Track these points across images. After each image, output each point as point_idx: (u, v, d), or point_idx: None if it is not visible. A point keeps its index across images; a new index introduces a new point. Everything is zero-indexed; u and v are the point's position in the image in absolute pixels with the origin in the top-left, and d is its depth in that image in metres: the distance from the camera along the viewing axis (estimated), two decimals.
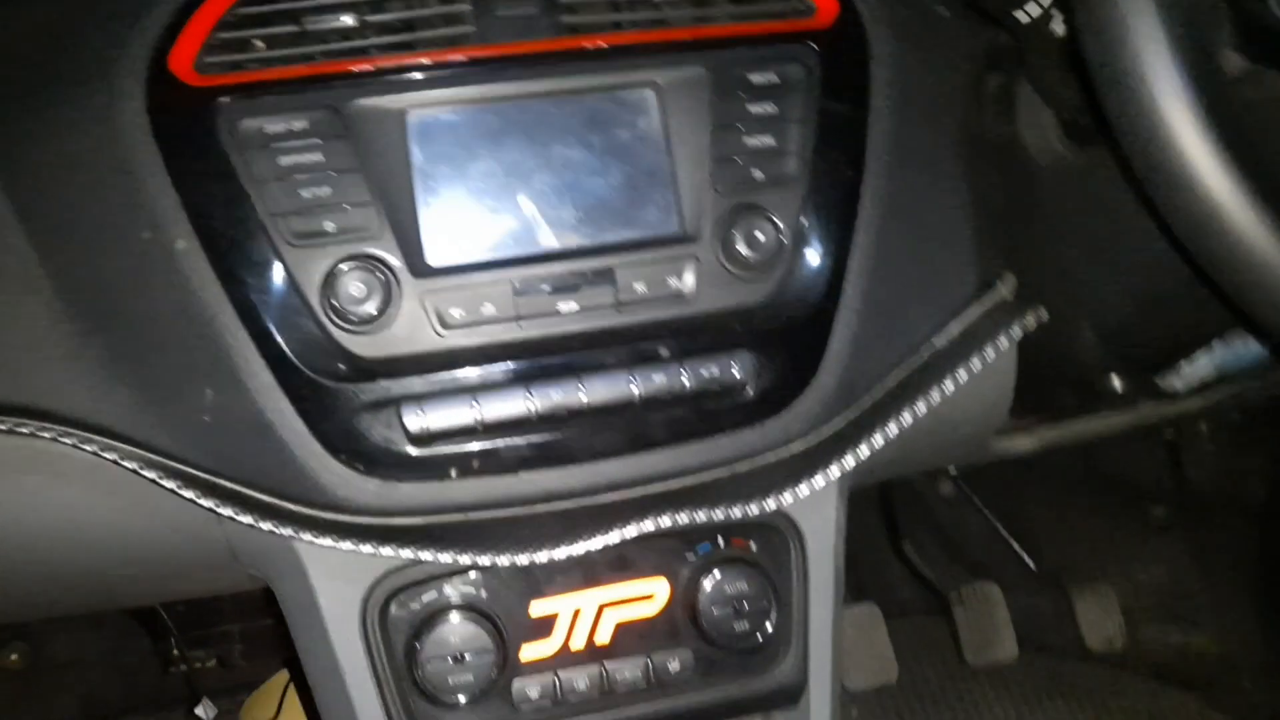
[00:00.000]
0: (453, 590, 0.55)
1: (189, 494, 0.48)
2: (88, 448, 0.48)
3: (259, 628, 0.92)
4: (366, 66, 0.50)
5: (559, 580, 0.56)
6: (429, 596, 0.55)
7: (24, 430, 0.48)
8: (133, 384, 0.50)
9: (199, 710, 0.83)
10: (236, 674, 0.90)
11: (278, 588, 0.56)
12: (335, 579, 0.53)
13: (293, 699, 0.83)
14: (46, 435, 0.48)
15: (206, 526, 0.52)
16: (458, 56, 0.51)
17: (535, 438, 0.51)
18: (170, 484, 0.49)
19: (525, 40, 0.51)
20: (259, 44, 0.50)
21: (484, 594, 0.55)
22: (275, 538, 0.51)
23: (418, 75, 0.50)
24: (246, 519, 0.49)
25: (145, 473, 0.49)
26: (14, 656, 0.97)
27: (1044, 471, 1.11)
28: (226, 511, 0.49)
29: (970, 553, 1.18)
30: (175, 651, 0.89)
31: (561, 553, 0.51)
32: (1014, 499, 1.16)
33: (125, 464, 0.49)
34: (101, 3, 0.50)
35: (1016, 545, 1.16)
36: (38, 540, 0.52)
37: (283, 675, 0.87)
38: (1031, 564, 1.16)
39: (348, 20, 0.50)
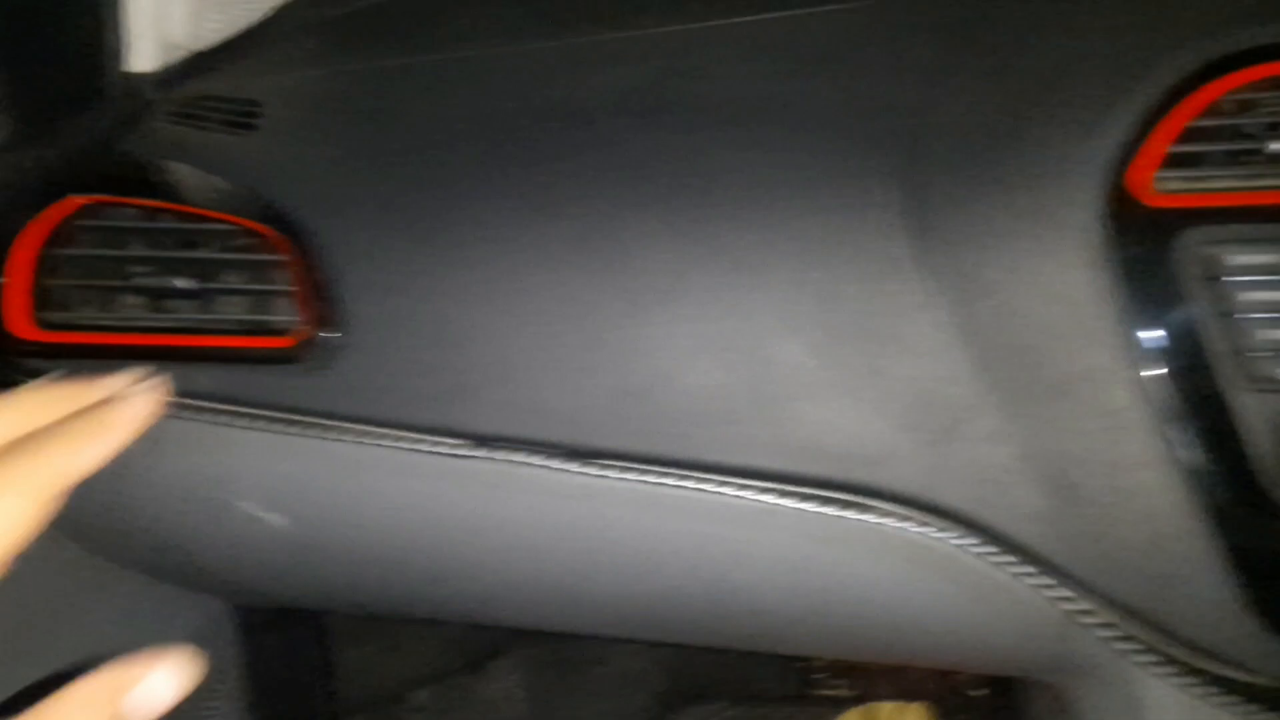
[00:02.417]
0: None
1: (1091, 615, 0.48)
2: (990, 551, 0.49)
3: (907, 669, 0.93)
4: None
5: None
6: None
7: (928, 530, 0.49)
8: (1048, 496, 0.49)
9: None
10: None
11: (1085, 701, 0.55)
12: None
13: None
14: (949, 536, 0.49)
15: (1050, 632, 0.51)
16: None
17: None
18: (1065, 595, 0.48)
19: None
20: (1215, 164, 0.47)
21: None
22: (1125, 667, 0.50)
23: None
24: (1140, 652, 0.47)
25: (1035, 579, 0.49)
26: None
27: None
28: (1112, 634, 0.48)
29: None
30: (816, 675, 0.93)
31: None
32: None
33: (1019, 568, 0.49)
34: (1058, 107, 0.49)
35: None
36: (864, 606, 0.54)
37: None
38: None
39: None
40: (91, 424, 0.32)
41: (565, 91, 0.56)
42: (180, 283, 0.53)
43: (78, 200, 0.55)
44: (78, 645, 0.65)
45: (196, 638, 0.74)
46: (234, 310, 0.55)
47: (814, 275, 0.50)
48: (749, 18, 0.58)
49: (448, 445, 0.52)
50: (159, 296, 0.55)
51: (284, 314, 0.54)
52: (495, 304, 0.52)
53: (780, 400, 0.50)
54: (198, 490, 0.55)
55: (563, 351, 0.51)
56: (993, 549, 0.50)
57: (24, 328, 0.53)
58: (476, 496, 0.53)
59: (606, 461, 0.52)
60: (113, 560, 0.65)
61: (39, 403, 0.32)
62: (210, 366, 0.53)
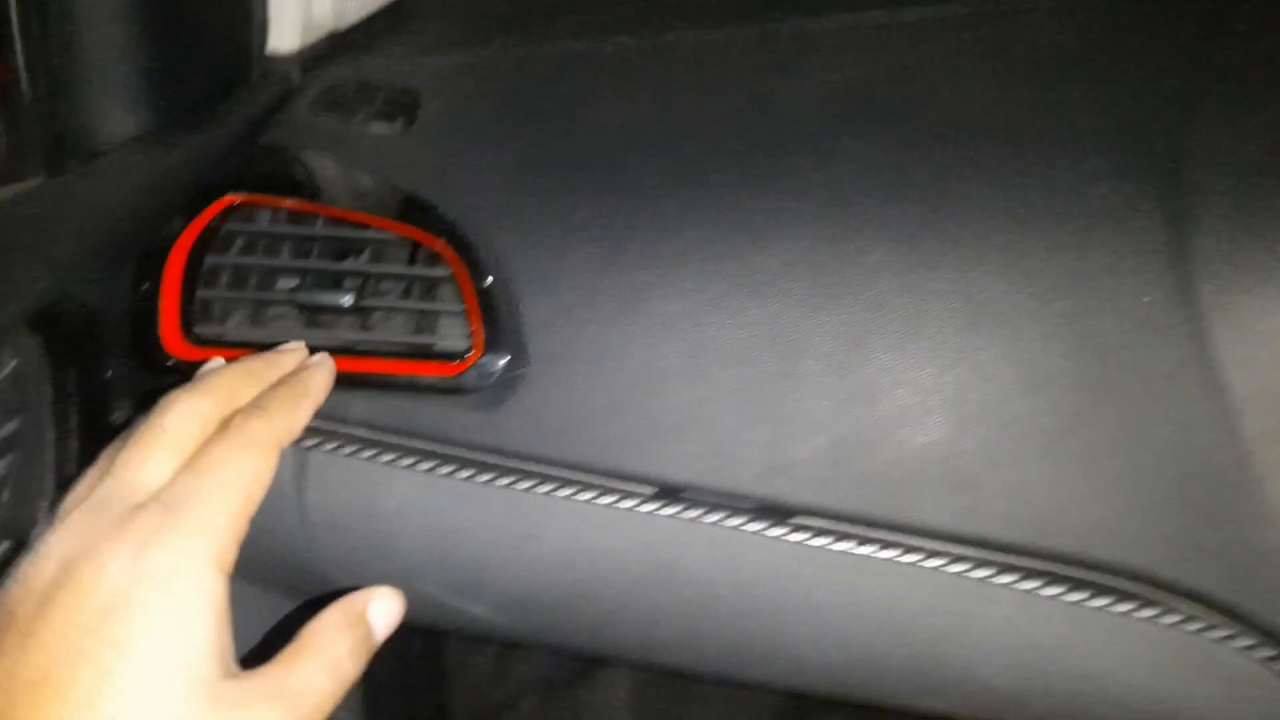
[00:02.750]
0: None
1: None
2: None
3: None
4: None
5: None
6: None
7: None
8: None
9: None
10: None
11: None
12: None
13: None
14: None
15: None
16: None
17: None
18: None
19: None
20: None
21: None
22: None
23: None
24: None
25: None
26: None
27: None
28: None
29: None
30: None
31: None
32: None
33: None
34: None
35: None
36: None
37: None
38: None
39: None
40: (297, 389, 0.38)
41: (769, 88, 0.50)
42: (342, 299, 0.48)
43: (230, 200, 0.49)
44: None
45: None
46: (395, 330, 0.50)
47: (1063, 323, 0.44)
48: (979, 7, 0.50)
49: (631, 497, 0.46)
50: (315, 311, 0.49)
51: (451, 336, 0.49)
52: (693, 338, 0.46)
53: (1019, 465, 0.44)
54: (347, 523, 0.50)
55: (770, 396, 0.45)
56: (1262, 645, 0.43)
57: (176, 344, 0.48)
58: (658, 550, 0.47)
59: (809, 520, 0.46)
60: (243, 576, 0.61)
61: (243, 375, 0.38)
62: (366, 393, 0.48)
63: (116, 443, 0.37)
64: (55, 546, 0.30)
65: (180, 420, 0.34)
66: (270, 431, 0.34)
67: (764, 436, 0.45)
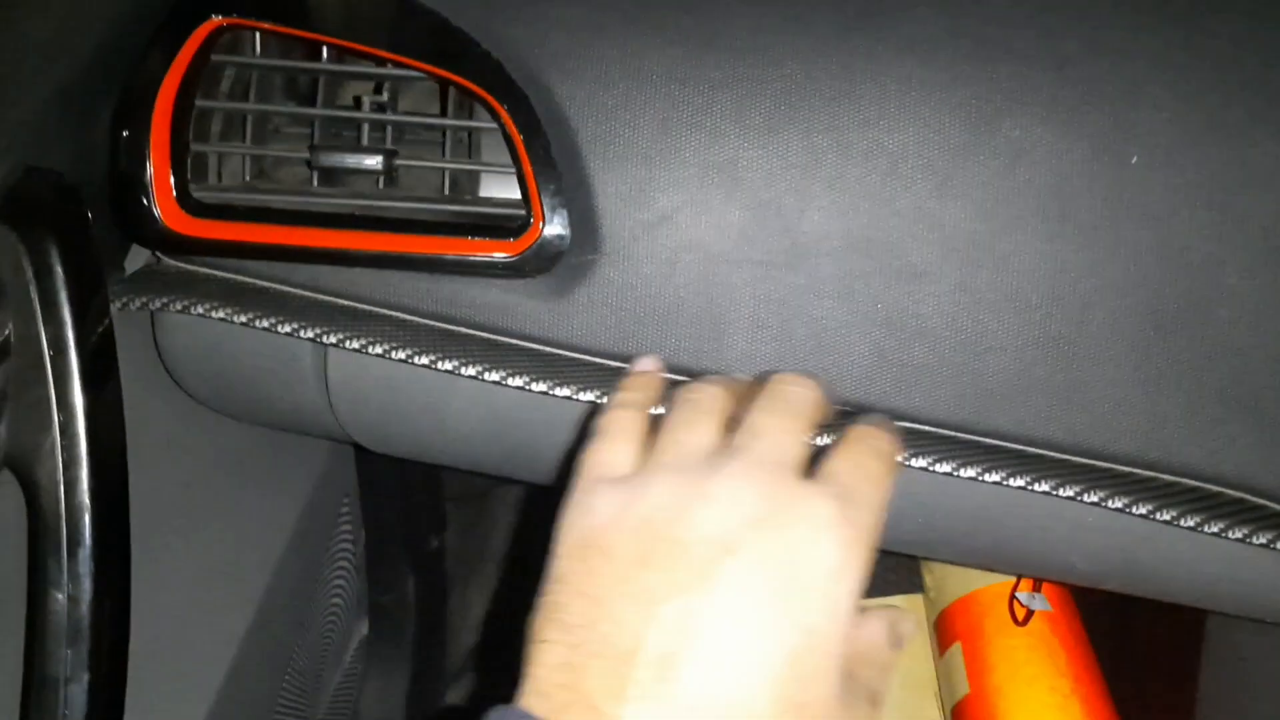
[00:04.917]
0: None
1: None
2: None
3: None
4: None
5: None
6: None
7: None
8: None
9: None
10: None
11: None
12: None
13: None
14: None
15: None
16: None
17: None
18: None
19: None
20: None
21: None
22: None
23: None
24: None
25: None
26: None
27: None
28: None
29: None
30: None
31: None
32: None
33: None
34: None
35: None
36: None
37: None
38: None
39: None
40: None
41: None
42: (369, 162, 0.40)
43: (215, 23, 0.40)
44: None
45: (329, 460, 0.67)
46: (430, 189, 0.42)
47: None
48: None
49: None
50: (334, 172, 0.41)
51: (504, 203, 0.42)
52: (797, 220, 0.39)
53: None
54: (377, 417, 0.45)
55: (882, 292, 0.40)
56: None
57: (174, 214, 0.40)
58: None
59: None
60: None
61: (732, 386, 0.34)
62: (406, 274, 0.41)
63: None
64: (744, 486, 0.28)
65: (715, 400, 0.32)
66: (892, 447, 0.32)
67: (873, 337, 0.40)
